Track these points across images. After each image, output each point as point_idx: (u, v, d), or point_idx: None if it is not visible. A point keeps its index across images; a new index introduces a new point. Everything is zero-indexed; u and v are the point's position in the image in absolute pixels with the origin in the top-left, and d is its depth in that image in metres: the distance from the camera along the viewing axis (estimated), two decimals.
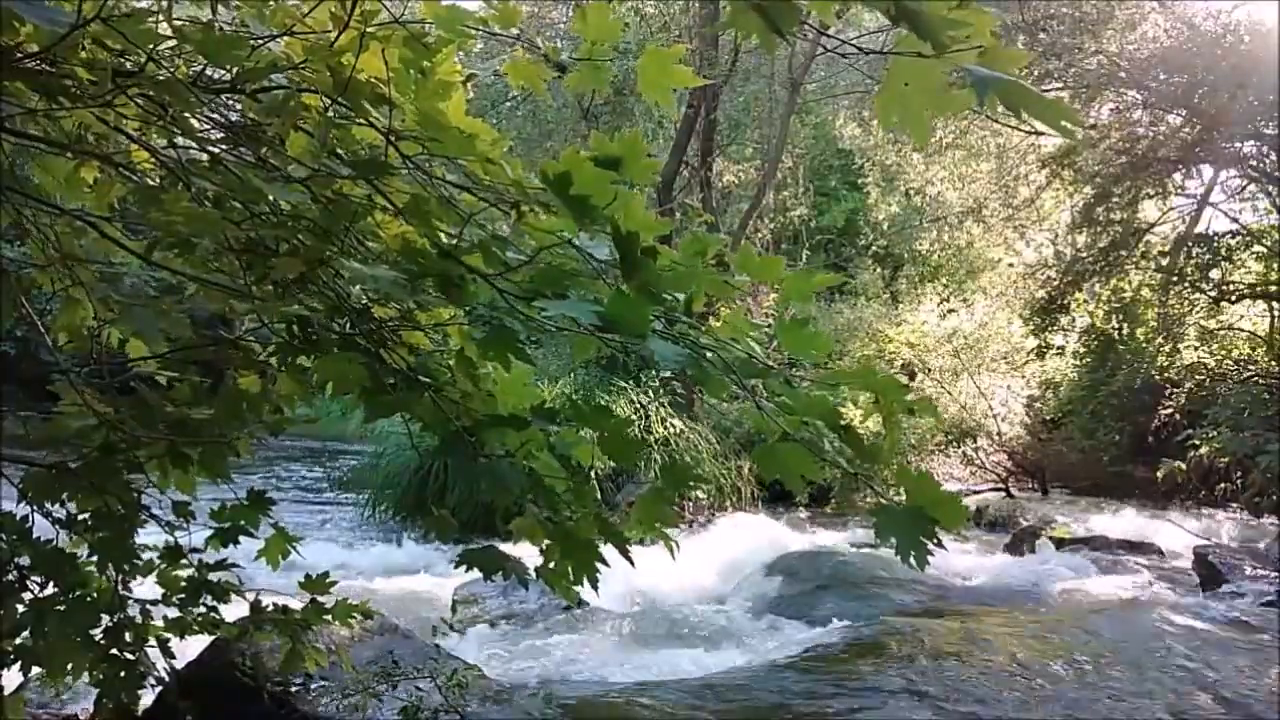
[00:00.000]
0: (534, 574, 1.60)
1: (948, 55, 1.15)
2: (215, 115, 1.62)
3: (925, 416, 1.36)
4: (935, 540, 1.27)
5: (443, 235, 1.45)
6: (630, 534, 1.58)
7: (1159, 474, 11.56)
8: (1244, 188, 12.74)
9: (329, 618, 2.33)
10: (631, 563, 1.56)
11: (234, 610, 2.34)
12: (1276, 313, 12.63)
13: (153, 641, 2.23)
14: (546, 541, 1.59)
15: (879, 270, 19.65)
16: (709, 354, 1.36)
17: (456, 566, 1.57)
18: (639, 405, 10.06)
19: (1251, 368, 12.22)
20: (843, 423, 1.35)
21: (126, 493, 1.98)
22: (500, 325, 1.34)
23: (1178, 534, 9.13)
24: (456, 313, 1.58)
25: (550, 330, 1.41)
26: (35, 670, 2.06)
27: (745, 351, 1.38)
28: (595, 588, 1.56)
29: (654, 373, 10.28)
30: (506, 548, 1.73)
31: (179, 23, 1.52)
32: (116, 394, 1.92)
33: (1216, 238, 12.45)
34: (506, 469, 1.49)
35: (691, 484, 1.64)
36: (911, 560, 1.26)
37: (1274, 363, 12.02)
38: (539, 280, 1.31)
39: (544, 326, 1.38)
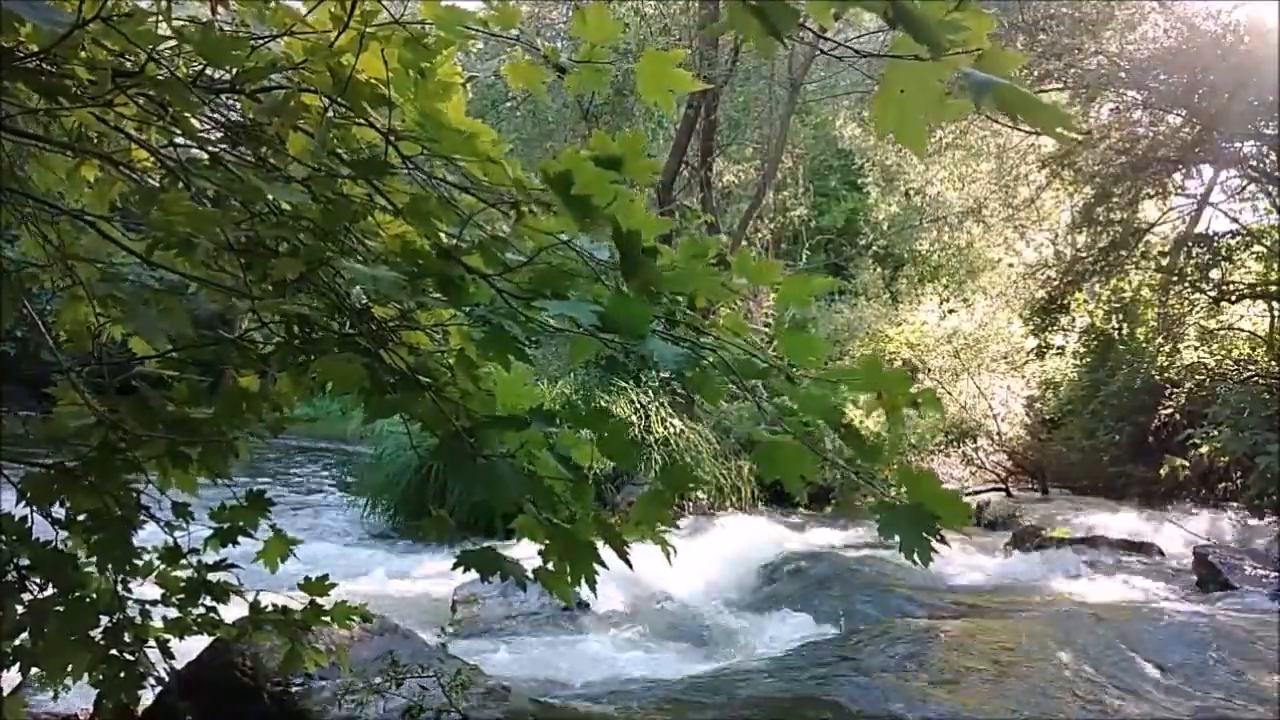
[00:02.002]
0: (532, 576, 1.59)
1: (945, 58, 1.15)
2: (215, 115, 1.62)
3: (929, 413, 1.37)
4: (939, 537, 1.27)
5: (442, 235, 1.45)
6: (629, 536, 1.58)
7: (1159, 474, 11.56)
8: (1244, 188, 12.74)
9: (328, 619, 2.32)
10: (630, 565, 1.56)
11: (233, 611, 2.34)
12: (1276, 313, 12.63)
13: (152, 642, 2.22)
14: (545, 542, 1.59)
15: (879, 270, 19.66)
16: (709, 355, 1.36)
17: (454, 568, 1.56)
18: (639, 405, 10.06)
19: (1251, 368, 12.21)
20: (844, 421, 1.35)
21: (126, 493, 1.98)
22: (499, 326, 1.34)
23: (1178, 534, 9.14)
24: (456, 313, 1.58)
25: (550, 331, 1.40)
26: (34, 671, 2.05)
27: (745, 350, 1.37)
28: (594, 589, 1.56)
29: (654, 372, 10.29)
30: (506, 547, 1.73)
31: (179, 23, 1.52)
32: (116, 394, 1.91)
33: (1216, 238, 12.45)
34: (506, 470, 1.48)
35: (691, 486, 1.63)
36: (915, 557, 1.26)
37: (1274, 363, 12.02)
38: (538, 281, 1.31)
39: (543, 327, 1.38)
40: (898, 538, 1.27)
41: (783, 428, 1.38)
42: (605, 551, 1.59)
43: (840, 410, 1.36)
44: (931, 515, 1.27)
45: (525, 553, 1.67)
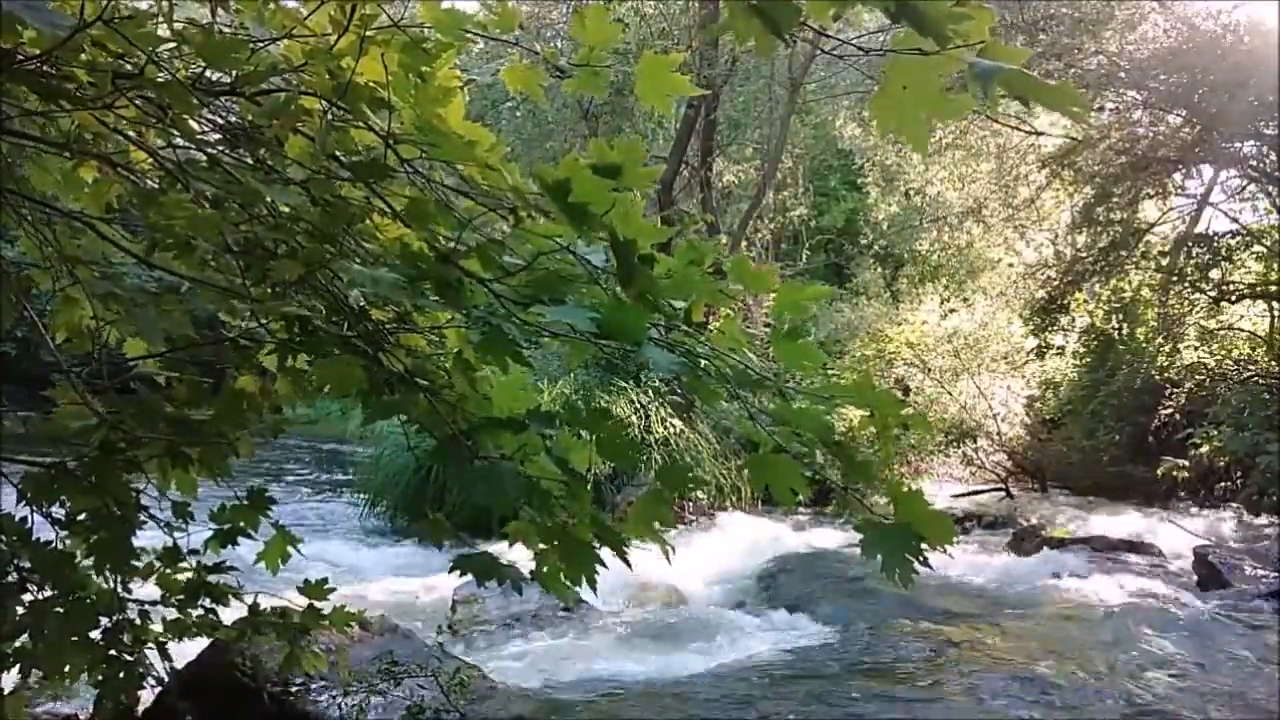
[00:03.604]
0: (530, 578, 1.59)
1: (947, 53, 1.15)
2: (214, 117, 1.63)
3: (920, 432, 1.37)
4: (921, 558, 1.26)
5: (441, 239, 1.45)
6: (627, 536, 1.58)
7: (1159, 474, 11.56)
8: (1244, 188, 12.74)
9: (326, 623, 2.33)
10: (629, 565, 1.56)
11: (233, 612, 2.34)
12: (1276, 313, 12.62)
13: (152, 643, 2.23)
14: (541, 545, 1.58)
15: (879, 270, 19.66)
16: (704, 363, 1.36)
17: (451, 572, 1.57)
18: (639, 405, 10.05)
19: (1251, 368, 12.21)
20: (835, 437, 1.35)
21: (125, 493, 1.98)
22: (497, 329, 1.34)
23: (1178, 534, 9.13)
24: (454, 315, 1.58)
25: (547, 335, 1.40)
26: (34, 671, 2.06)
27: (740, 362, 1.37)
28: (594, 589, 1.56)
29: (654, 373, 10.26)
30: (505, 548, 1.73)
31: (179, 25, 1.53)
32: (116, 394, 1.91)
33: (1216, 238, 12.45)
34: (503, 472, 1.48)
35: (690, 486, 1.63)
36: (896, 578, 1.25)
37: (1274, 363, 12.02)
38: (536, 285, 1.31)
39: (541, 331, 1.38)
40: (879, 557, 1.27)
41: (777, 439, 1.39)
42: (605, 552, 1.59)
43: (832, 426, 1.36)
44: (916, 535, 1.27)
45: (524, 554, 1.67)
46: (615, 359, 1.37)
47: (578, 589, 1.60)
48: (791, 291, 1.42)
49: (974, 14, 1.15)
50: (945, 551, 1.28)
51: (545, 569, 1.59)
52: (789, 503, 1.44)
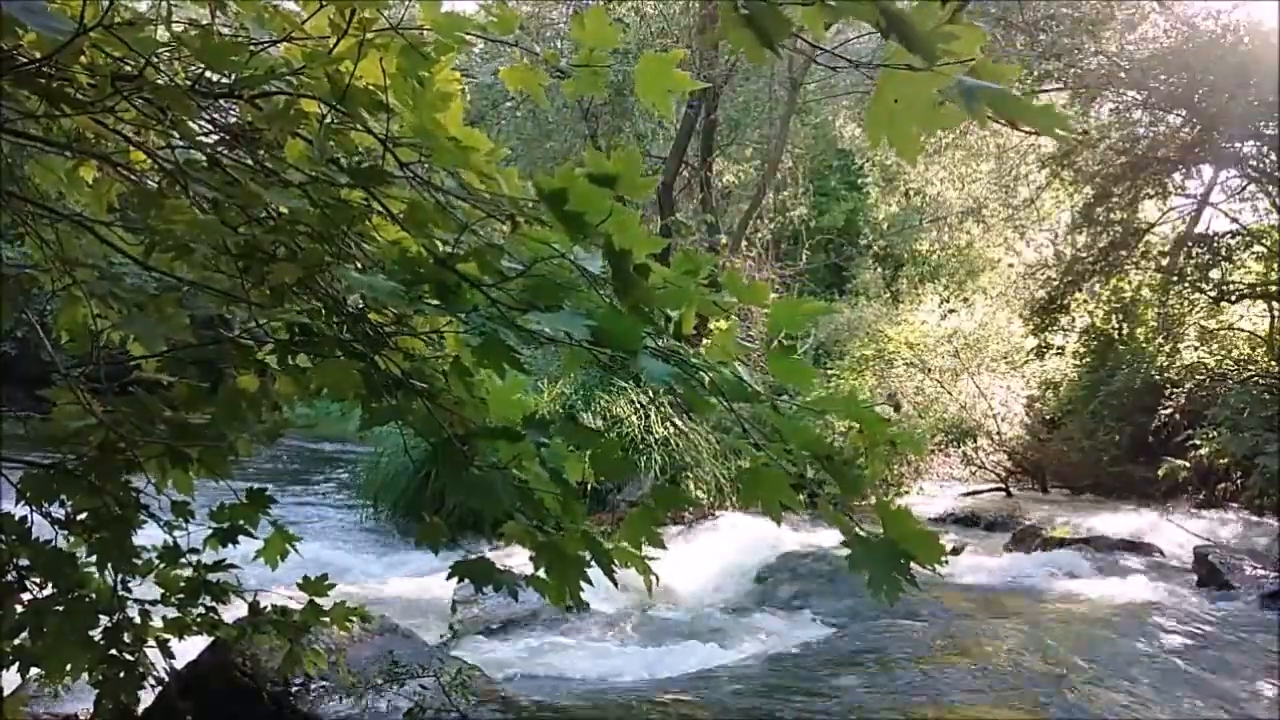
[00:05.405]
0: (525, 584, 1.60)
1: (938, 69, 1.15)
2: (214, 118, 1.63)
3: (909, 450, 1.37)
4: (908, 577, 1.26)
5: (439, 242, 1.46)
6: (617, 553, 1.58)
7: (1159, 474, 11.56)
8: (1244, 188, 12.74)
9: (327, 620, 2.33)
10: (615, 583, 1.56)
11: (233, 611, 2.35)
12: (1276, 313, 12.62)
13: (152, 642, 2.23)
14: (534, 550, 1.59)
15: (879, 270, 19.66)
16: (698, 374, 1.36)
17: (449, 577, 1.57)
18: (639, 405, 10.04)
19: (1251, 368, 12.21)
20: (827, 452, 1.35)
21: (125, 493, 1.99)
22: (495, 334, 1.35)
23: (1178, 534, 9.14)
24: (452, 319, 1.58)
25: (543, 342, 1.41)
26: (34, 671, 2.06)
27: (734, 375, 1.38)
28: (578, 601, 1.56)
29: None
30: (502, 550, 1.73)
31: (178, 26, 1.53)
32: (115, 395, 1.92)
33: (1216, 238, 12.46)
34: (497, 480, 1.48)
35: (684, 503, 1.65)
36: (883, 596, 1.25)
37: (1274, 363, 12.02)
38: (533, 292, 1.31)
39: (537, 338, 1.38)
40: (866, 574, 1.27)
41: (769, 454, 1.39)
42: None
43: (825, 441, 1.36)
44: (904, 553, 1.26)
45: (521, 556, 1.67)
46: (608, 369, 1.38)
47: (568, 599, 1.60)
48: (788, 307, 1.42)
49: (963, 33, 1.15)
50: (935, 571, 1.27)
51: (541, 574, 1.59)
52: (777, 517, 1.44)
